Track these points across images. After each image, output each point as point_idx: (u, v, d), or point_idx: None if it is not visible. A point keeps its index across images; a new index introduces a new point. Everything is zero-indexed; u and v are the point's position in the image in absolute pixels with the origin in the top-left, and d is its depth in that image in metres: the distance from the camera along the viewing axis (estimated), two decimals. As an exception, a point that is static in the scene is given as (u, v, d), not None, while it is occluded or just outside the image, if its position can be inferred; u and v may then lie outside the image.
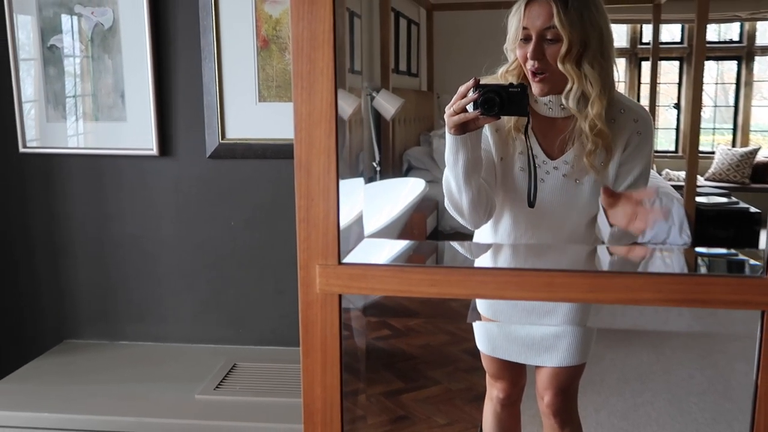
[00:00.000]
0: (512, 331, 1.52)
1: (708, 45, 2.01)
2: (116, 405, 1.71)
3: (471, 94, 1.21)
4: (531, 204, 1.33)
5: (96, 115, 1.97)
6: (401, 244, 1.38)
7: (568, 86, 1.26)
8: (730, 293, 0.65)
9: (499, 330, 1.54)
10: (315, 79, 0.69)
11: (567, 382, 1.54)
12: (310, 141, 0.71)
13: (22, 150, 2.01)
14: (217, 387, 1.78)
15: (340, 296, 0.74)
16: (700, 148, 2.09)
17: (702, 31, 1.95)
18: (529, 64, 1.25)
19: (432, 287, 0.72)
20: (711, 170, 2.33)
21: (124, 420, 1.65)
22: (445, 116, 1.23)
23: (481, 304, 1.57)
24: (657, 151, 2.35)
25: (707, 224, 2.08)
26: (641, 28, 2.24)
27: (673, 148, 2.25)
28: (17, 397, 1.77)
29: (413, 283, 0.73)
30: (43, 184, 2.05)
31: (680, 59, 2.18)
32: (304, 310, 0.75)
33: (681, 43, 2.20)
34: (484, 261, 1.44)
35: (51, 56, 1.96)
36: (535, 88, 1.27)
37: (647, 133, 1.32)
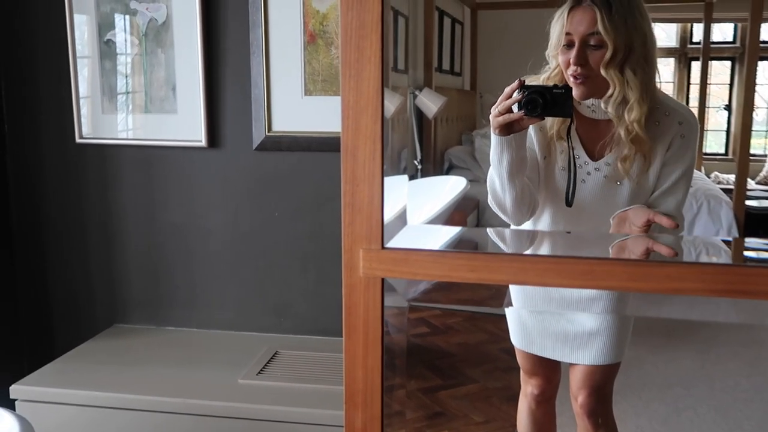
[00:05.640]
0: (547, 327, 1.52)
1: (762, 44, 1.96)
2: (163, 386, 1.77)
3: (516, 95, 1.21)
4: (569, 203, 1.34)
5: (148, 107, 2.04)
6: (442, 237, 1.39)
7: (609, 91, 1.26)
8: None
9: (533, 324, 1.54)
10: (362, 66, 0.71)
11: (601, 382, 1.53)
12: (357, 127, 0.72)
13: (78, 140, 2.09)
14: (259, 372, 1.82)
15: (383, 280, 0.76)
16: (751, 151, 2.04)
17: (756, 30, 1.90)
18: (571, 69, 1.25)
19: (471, 273, 0.73)
20: (762, 173, 2.27)
21: (171, 401, 1.70)
22: (491, 117, 1.24)
23: (514, 294, 1.57)
24: (706, 154, 2.30)
25: (757, 227, 2.03)
26: (692, 27, 2.20)
27: (723, 151, 2.20)
28: (70, 376, 1.84)
29: (453, 268, 0.74)
30: (97, 174, 2.12)
31: (732, 59, 2.13)
32: (348, 293, 0.76)
33: (733, 42, 2.15)
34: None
35: (107, 50, 2.03)
36: (575, 91, 1.27)
37: (691, 136, 1.30)
